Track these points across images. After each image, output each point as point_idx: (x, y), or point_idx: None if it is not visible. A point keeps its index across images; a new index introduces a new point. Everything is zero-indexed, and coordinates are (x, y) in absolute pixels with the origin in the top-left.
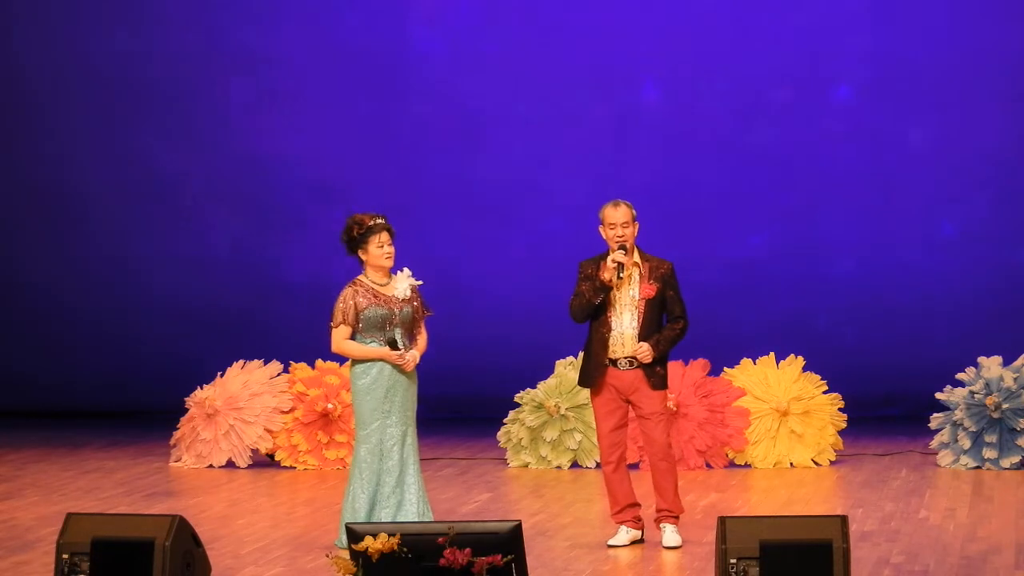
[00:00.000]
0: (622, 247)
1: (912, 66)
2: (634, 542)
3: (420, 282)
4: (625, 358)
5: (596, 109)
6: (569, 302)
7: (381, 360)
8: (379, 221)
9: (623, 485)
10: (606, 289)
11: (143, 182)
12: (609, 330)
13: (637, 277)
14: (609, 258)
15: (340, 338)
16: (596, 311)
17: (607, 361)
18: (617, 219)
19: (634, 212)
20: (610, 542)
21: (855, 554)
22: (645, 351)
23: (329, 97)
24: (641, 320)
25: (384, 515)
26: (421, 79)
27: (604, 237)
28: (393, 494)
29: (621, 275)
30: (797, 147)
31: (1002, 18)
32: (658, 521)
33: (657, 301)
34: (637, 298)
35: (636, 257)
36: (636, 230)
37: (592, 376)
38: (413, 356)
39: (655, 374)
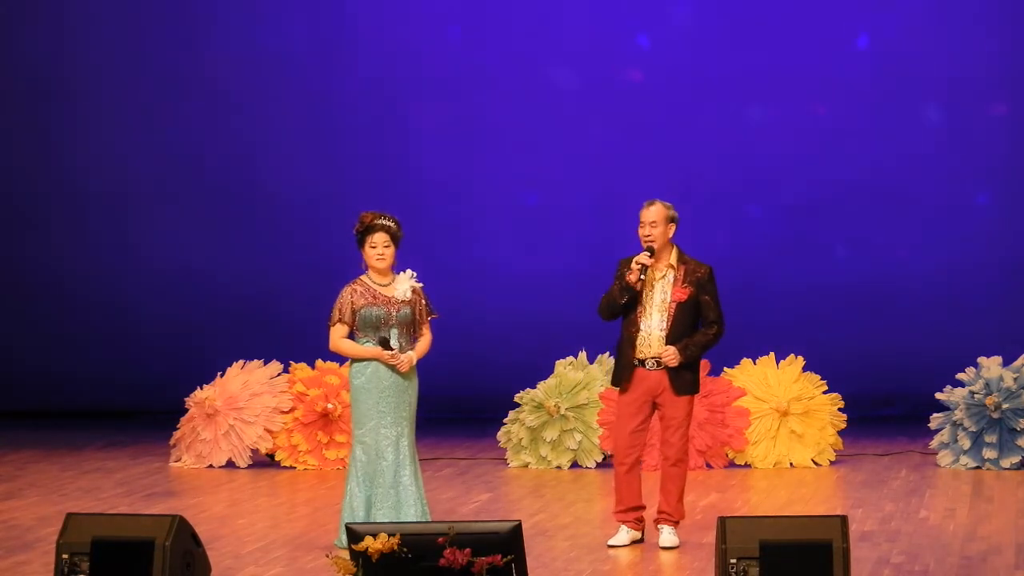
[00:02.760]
0: (648, 248)
1: (917, 61)
2: (634, 542)
3: (421, 284)
4: (652, 358)
5: (600, 109)
6: (601, 298)
7: (375, 360)
8: (378, 221)
9: (632, 487)
10: (630, 291)
11: (144, 184)
12: (637, 330)
13: (671, 279)
14: (634, 259)
15: (337, 337)
16: (626, 310)
17: (635, 361)
18: (646, 219)
19: (670, 213)
20: (610, 542)
21: (855, 554)
22: (671, 355)
23: (331, 98)
24: (670, 323)
25: (380, 516)
26: (421, 78)
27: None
28: (388, 495)
29: (643, 276)
30: (797, 145)
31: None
32: (657, 522)
33: (690, 305)
34: (668, 300)
35: (672, 259)
36: (670, 231)
37: (621, 375)
38: (408, 357)
39: (681, 378)
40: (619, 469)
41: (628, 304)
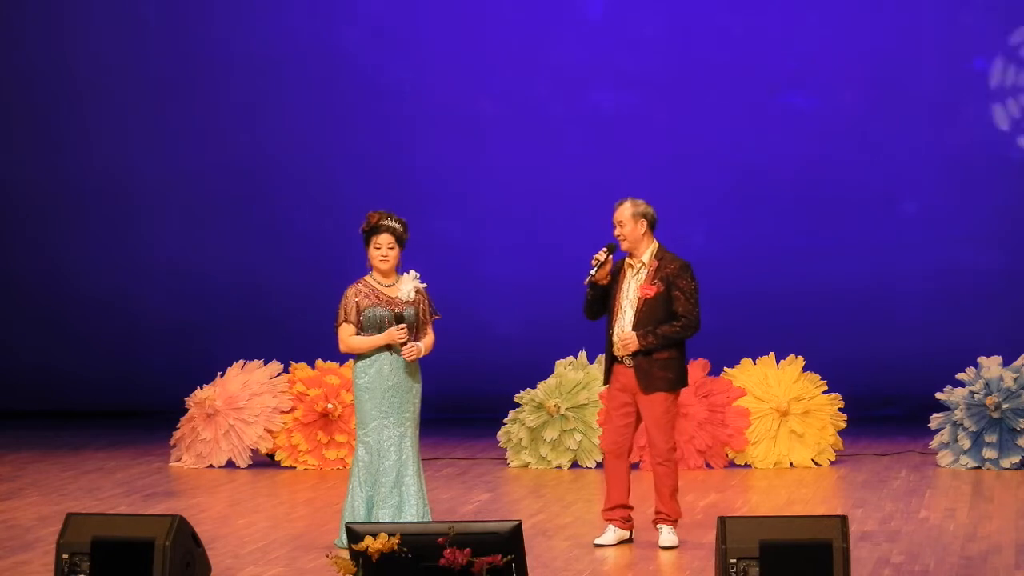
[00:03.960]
0: (608, 244)
1: (911, 59)
2: (621, 542)
3: (424, 284)
4: (627, 356)
5: (599, 109)
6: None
7: (387, 343)
8: (384, 222)
9: (619, 481)
10: (592, 286)
11: (144, 184)
12: (612, 328)
13: (644, 276)
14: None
15: (345, 335)
16: (604, 309)
17: (615, 358)
18: (614, 218)
19: (639, 210)
20: (597, 541)
21: (855, 554)
22: (630, 340)
23: (333, 99)
24: (635, 319)
25: (383, 516)
26: (422, 81)
27: None
28: (391, 495)
29: (594, 273)
30: (796, 147)
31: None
32: (655, 522)
33: (659, 301)
34: (638, 297)
35: (647, 255)
36: (642, 227)
37: (605, 371)
38: (417, 348)
39: (647, 375)
40: (606, 457)
41: (600, 300)
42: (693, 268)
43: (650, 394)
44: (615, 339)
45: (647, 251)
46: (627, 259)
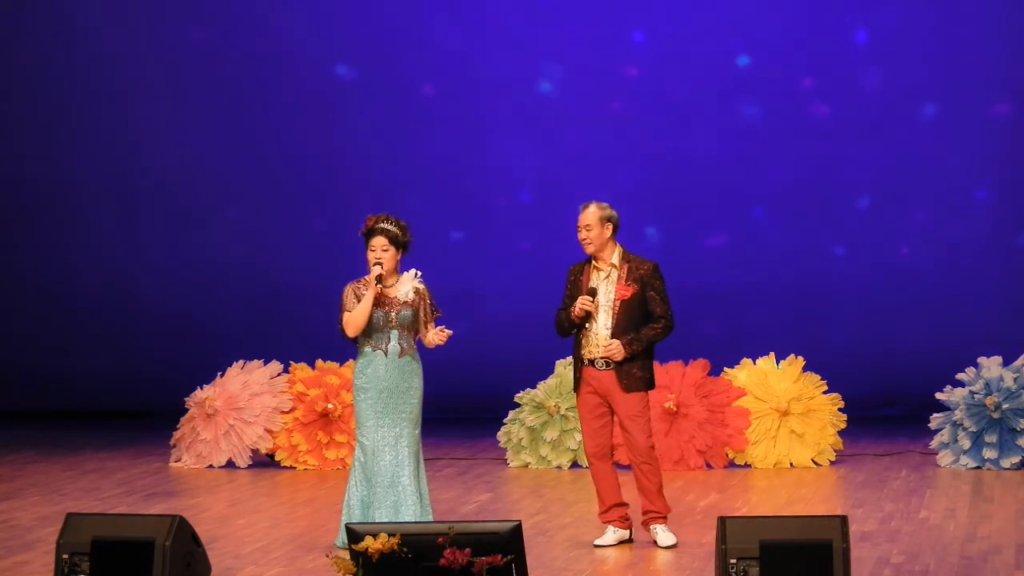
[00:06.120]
0: (590, 289)
1: (915, 57)
2: (622, 542)
3: (423, 285)
4: (601, 358)
5: (600, 109)
6: (556, 312)
7: (374, 293)
8: (379, 225)
9: (608, 482)
10: (576, 326)
11: (143, 183)
12: (585, 331)
13: (615, 278)
14: (578, 302)
15: (346, 318)
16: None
17: (585, 361)
18: (580, 222)
19: (605, 213)
20: (597, 542)
21: (855, 554)
22: (615, 348)
23: (332, 98)
24: (614, 321)
25: (379, 516)
26: (425, 80)
27: None
28: (387, 495)
29: (580, 318)
30: (795, 147)
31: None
32: (646, 523)
33: (635, 302)
34: (613, 299)
35: (615, 258)
36: (608, 230)
37: (574, 376)
38: (437, 337)
39: (628, 375)
40: (590, 461)
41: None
42: (660, 268)
43: (629, 393)
44: (594, 348)
45: (614, 254)
46: (593, 263)
